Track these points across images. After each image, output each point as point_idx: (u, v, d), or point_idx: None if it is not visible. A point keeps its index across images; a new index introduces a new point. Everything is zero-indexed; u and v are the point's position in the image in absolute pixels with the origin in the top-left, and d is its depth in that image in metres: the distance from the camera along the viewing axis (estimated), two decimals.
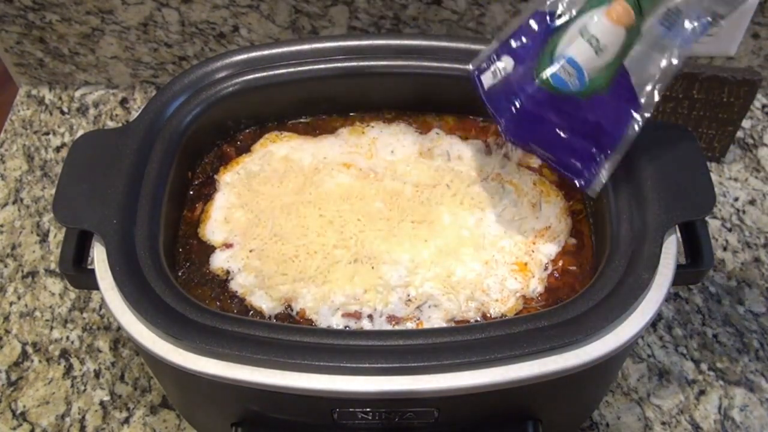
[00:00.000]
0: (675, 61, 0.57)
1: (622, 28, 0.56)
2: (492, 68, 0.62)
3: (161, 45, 1.01)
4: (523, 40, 0.61)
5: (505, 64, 0.61)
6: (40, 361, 0.82)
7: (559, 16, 0.59)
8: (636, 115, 0.59)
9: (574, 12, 0.58)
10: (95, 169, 0.65)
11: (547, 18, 0.60)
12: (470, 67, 0.64)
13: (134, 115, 1.03)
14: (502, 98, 0.61)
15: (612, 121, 0.59)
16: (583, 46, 0.57)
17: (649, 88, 0.58)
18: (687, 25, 0.57)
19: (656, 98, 0.58)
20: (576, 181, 0.61)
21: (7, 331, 0.84)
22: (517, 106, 0.59)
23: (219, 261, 0.68)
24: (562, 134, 0.60)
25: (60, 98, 1.07)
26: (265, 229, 0.69)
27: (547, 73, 0.58)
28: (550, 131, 0.60)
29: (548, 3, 0.60)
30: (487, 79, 0.62)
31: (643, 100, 0.58)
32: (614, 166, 0.61)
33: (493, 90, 0.62)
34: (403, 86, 0.77)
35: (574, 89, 0.57)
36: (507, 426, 0.64)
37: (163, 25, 0.98)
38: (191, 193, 0.74)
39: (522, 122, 0.60)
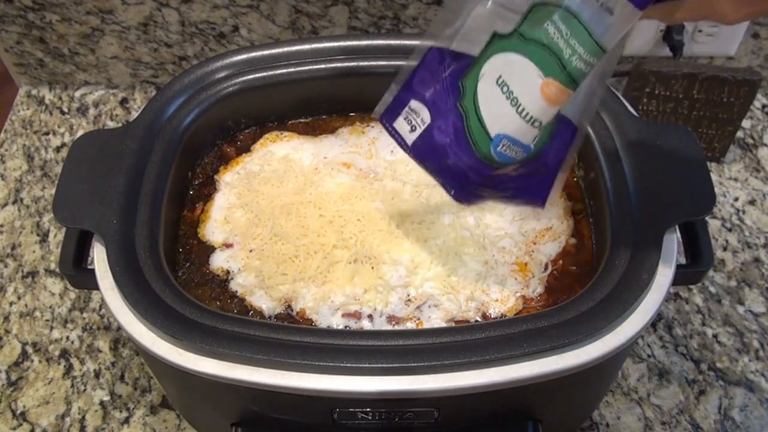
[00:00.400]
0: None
1: (561, 104, 0.53)
2: (404, 115, 0.58)
3: (161, 45, 1.01)
4: (429, 83, 0.56)
5: (419, 112, 0.57)
6: (40, 361, 0.82)
7: (459, 55, 0.55)
8: (575, 137, 0.56)
9: (476, 51, 0.54)
10: (95, 169, 0.65)
11: (450, 60, 0.55)
12: (376, 113, 0.60)
13: (134, 115, 1.03)
14: (438, 162, 0.57)
15: (555, 153, 0.57)
16: (524, 127, 0.53)
17: (582, 103, 0.55)
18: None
19: (594, 105, 0.56)
20: (533, 206, 0.60)
21: (7, 331, 0.84)
22: (462, 178, 0.57)
23: (219, 261, 0.68)
24: (511, 183, 0.58)
25: (60, 98, 1.07)
26: (265, 229, 0.69)
27: (492, 153, 0.54)
28: (500, 185, 0.58)
29: (445, 42, 0.55)
30: (403, 129, 0.58)
31: (577, 119, 0.56)
32: (563, 181, 0.59)
33: (420, 148, 0.58)
34: None
35: (520, 158, 0.55)
36: (507, 426, 0.64)
37: (163, 25, 0.98)
38: (191, 193, 0.74)
39: (470, 188, 0.58)
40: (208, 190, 0.74)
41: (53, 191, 0.67)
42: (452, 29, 0.55)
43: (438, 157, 0.57)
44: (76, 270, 0.63)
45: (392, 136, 0.59)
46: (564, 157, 0.57)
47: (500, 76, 0.53)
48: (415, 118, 0.57)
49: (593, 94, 0.54)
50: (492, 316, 0.64)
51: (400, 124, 0.58)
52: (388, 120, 0.59)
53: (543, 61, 0.51)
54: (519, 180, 0.58)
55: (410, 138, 0.58)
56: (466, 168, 0.56)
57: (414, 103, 0.57)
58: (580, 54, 0.50)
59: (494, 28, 0.53)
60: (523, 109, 0.52)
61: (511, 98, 0.53)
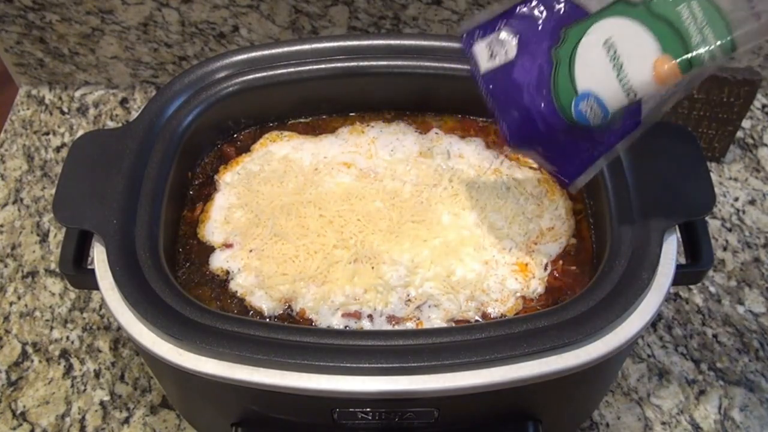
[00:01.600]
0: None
1: (664, 87, 0.52)
2: (488, 41, 0.57)
3: (161, 45, 1.01)
4: (530, 20, 0.56)
5: (505, 44, 0.56)
6: (40, 361, 0.82)
7: (573, 5, 0.54)
8: (635, 131, 0.56)
9: (592, 10, 0.53)
10: (95, 169, 0.65)
11: (561, 6, 0.55)
12: (461, 30, 0.58)
13: (134, 115, 1.03)
14: (507, 99, 0.57)
15: (610, 136, 0.56)
16: (618, 94, 0.53)
17: (660, 101, 0.55)
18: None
19: (662, 112, 0.56)
20: (560, 179, 0.60)
21: (7, 331, 0.84)
22: (525, 121, 0.56)
23: (219, 261, 0.68)
24: (558, 148, 0.58)
25: (60, 98, 1.07)
26: (265, 229, 0.69)
27: (572, 107, 0.54)
28: (550, 144, 0.58)
29: None
30: (482, 55, 0.57)
31: (645, 114, 0.56)
32: (598, 169, 0.59)
33: (493, 79, 0.57)
34: (403, 86, 0.77)
35: (593, 124, 0.55)
36: (507, 426, 0.64)
37: (163, 25, 0.98)
38: (191, 193, 0.74)
39: (527, 134, 0.57)
40: (208, 190, 0.74)
41: (53, 191, 0.67)
42: None
43: (509, 94, 0.56)
44: (76, 270, 0.63)
45: (468, 56, 0.58)
46: (615, 144, 0.57)
47: (610, 38, 0.52)
48: (499, 49, 0.57)
49: (672, 97, 0.54)
50: (492, 316, 0.64)
51: (481, 49, 0.57)
52: (469, 40, 0.58)
53: (666, 38, 0.50)
54: (566, 147, 0.58)
55: (485, 66, 0.57)
56: (535, 113, 0.55)
57: (504, 34, 0.56)
58: (710, 45, 0.49)
59: None
60: (626, 76, 0.52)
61: (616, 62, 0.52)
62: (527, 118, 0.56)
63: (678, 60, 0.50)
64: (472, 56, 0.58)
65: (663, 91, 0.53)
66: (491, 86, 0.57)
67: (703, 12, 0.49)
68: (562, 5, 0.55)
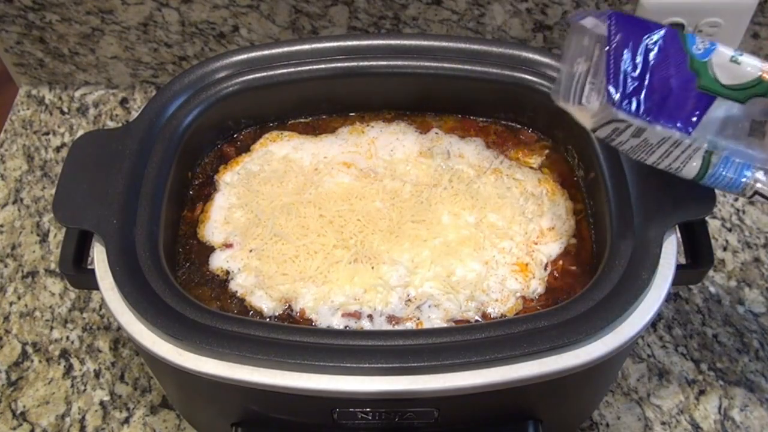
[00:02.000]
0: None
1: None
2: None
3: (161, 45, 1.01)
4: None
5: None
6: (40, 361, 0.82)
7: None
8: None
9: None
10: (95, 169, 0.65)
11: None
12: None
13: (134, 115, 1.03)
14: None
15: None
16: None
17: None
18: None
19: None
20: (607, 96, 0.55)
21: (7, 331, 0.84)
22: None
23: (219, 261, 0.68)
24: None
25: (60, 98, 1.07)
26: (265, 229, 0.69)
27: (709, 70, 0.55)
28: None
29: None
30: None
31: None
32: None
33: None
34: (403, 86, 0.77)
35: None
36: (507, 426, 0.64)
37: (163, 25, 0.98)
38: (191, 193, 0.74)
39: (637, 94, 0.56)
40: (207, 190, 0.74)
41: (53, 191, 0.67)
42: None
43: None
44: (76, 270, 0.63)
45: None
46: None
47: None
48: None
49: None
50: (492, 316, 0.64)
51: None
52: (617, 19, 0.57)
53: None
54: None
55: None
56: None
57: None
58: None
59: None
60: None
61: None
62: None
63: None
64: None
65: None
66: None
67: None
68: None
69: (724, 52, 0.57)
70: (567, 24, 0.58)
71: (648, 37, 0.56)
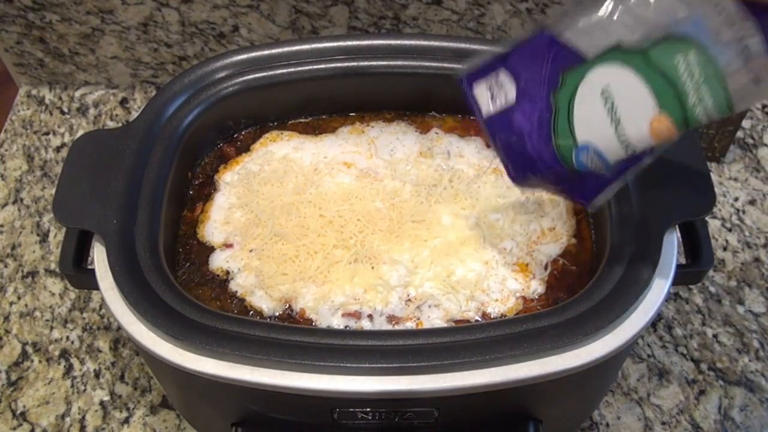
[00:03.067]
0: None
1: (661, 142, 0.51)
2: (488, 83, 0.56)
3: (161, 45, 1.01)
4: (529, 63, 0.54)
5: (504, 86, 0.55)
6: (40, 361, 0.82)
7: (570, 49, 0.51)
8: (645, 160, 0.55)
9: (589, 54, 0.51)
10: (95, 169, 0.65)
11: (558, 49, 0.52)
12: (461, 69, 0.58)
13: (134, 115, 1.03)
14: (509, 143, 0.56)
15: (621, 165, 0.55)
16: (617, 148, 0.51)
17: None
18: None
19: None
20: (578, 203, 0.60)
21: (7, 331, 0.84)
22: (529, 164, 0.56)
23: (219, 261, 0.68)
24: (567, 182, 0.57)
25: (60, 98, 1.07)
26: (265, 229, 0.69)
27: (573, 159, 0.53)
28: (559, 182, 0.57)
29: (559, 30, 0.52)
30: (482, 96, 0.57)
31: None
32: (614, 191, 0.58)
33: (495, 123, 0.57)
34: (403, 86, 0.77)
35: (598, 171, 0.54)
36: (507, 426, 0.64)
37: (163, 25, 0.98)
38: (191, 193, 0.74)
39: (533, 176, 0.57)
40: (207, 190, 0.74)
41: (53, 191, 0.67)
42: (571, 19, 0.52)
43: (511, 139, 0.56)
44: (76, 270, 0.63)
45: (468, 98, 0.57)
46: (628, 169, 0.55)
47: (608, 87, 0.51)
48: (498, 91, 0.56)
49: None
50: (492, 316, 0.64)
51: (481, 91, 0.57)
52: (469, 81, 0.57)
53: (663, 94, 0.48)
54: (574, 182, 0.57)
55: (487, 108, 0.57)
56: (537, 159, 0.55)
57: (503, 76, 0.55)
58: (706, 106, 0.48)
59: (619, 37, 0.49)
60: (623, 132, 0.51)
61: (613, 115, 0.51)
62: (531, 165, 0.56)
63: (674, 119, 0.49)
64: (473, 99, 0.57)
65: (660, 146, 0.52)
66: (494, 131, 0.57)
67: (700, 68, 0.47)
68: (555, 49, 0.53)
69: None
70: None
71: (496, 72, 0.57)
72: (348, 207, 0.69)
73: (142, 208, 0.64)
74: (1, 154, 1.01)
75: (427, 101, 0.79)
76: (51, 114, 1.06)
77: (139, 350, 0.62)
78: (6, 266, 0.90)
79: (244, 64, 0.75)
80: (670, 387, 0.79)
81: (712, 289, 0.86)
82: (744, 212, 0.92)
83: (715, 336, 0.82)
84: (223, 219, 0.71)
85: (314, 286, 0.65)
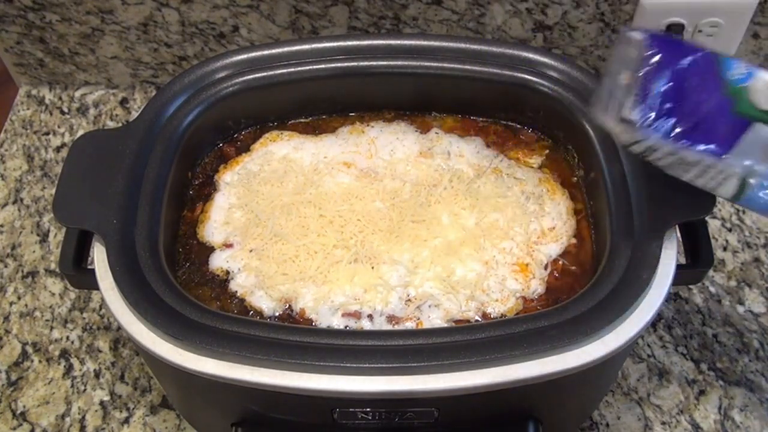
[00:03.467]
0: None
1: None
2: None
3: (161, 45, 1.01)
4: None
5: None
6: (40, 361, 0.82)
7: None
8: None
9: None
10: (95, 169, 0.65)
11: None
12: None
13: (134, 115, 1.03)
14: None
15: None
16: None
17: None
18: None
19: None
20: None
21: (7, 331, 0.84)
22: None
23: (219, 261, 0.68)
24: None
25: (60, 98, 1.07)
26: (265, 229, 0.69)
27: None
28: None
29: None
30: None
31: None
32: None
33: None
34: (403, 86, 0.77)
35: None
36: (507, 426, 0.64)
37: (163, 25, 0.98)
38: (191, 193, 0.74)
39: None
40: (207, 190, 0.74)
41: (53, 191, 0.67)
42: None
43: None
44: (76, 270, 0.63)
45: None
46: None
47: None
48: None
49: None
50: (492, 316, 0.64)
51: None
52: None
53: None
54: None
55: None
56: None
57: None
58: None
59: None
60: None
61: None
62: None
63: None
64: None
65: None
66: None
67: None
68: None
69: (763, 77, 0.57)
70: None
71: (684, 61, 0.56)
72: (348, 207, 0.69)
73: (142, 208, 0.64)
74: (1, 154, 1.01)
75: (427, 101, 0.79)
76: (51, 114, 1.06)
77: (139, 350, 0.62)
78: (6, 266, 0.90)
79: (244, 64, 0.75)
80: (670, 387, 0.79)
81: (712, 289, 0.86)
82: (744, 212, 0.92)
83: (715, 336, 0.82)
84: (223, 219, 0.71)
85: (314, 286, 0.65)
